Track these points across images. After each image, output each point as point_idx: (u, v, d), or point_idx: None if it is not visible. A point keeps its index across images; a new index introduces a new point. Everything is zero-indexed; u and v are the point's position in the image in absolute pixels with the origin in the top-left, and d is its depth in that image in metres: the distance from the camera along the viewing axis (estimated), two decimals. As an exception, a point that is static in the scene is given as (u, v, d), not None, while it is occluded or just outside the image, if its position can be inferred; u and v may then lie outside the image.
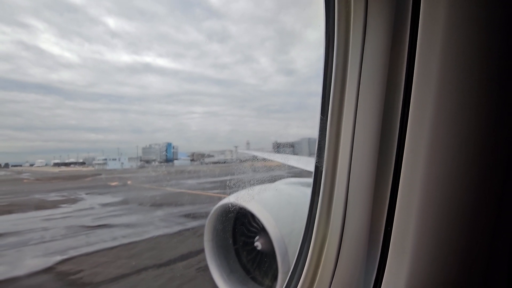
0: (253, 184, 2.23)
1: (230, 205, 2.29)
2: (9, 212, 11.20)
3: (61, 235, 7.96)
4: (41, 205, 12.60)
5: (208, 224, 2.40)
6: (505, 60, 0.61)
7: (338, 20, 0.82)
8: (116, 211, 11.06)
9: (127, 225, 8.94)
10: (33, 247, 7.02)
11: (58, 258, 6.19)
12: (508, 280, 0.68)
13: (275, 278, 1.99)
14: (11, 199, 14.59)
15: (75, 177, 29.04)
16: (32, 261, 6.06)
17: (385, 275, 0.76)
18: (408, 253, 0.68)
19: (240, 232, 2.41)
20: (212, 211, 2.37)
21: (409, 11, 0.69)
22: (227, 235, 2.44)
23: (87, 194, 15.74)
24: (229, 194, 2.30)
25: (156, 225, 8.86)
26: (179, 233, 7.97)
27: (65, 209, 11.70)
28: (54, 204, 12.64)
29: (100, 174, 31.10)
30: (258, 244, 2.15)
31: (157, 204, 12.14)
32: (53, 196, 15.14)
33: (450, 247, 0.66)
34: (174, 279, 5.11)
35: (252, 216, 2.11)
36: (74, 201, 13.46)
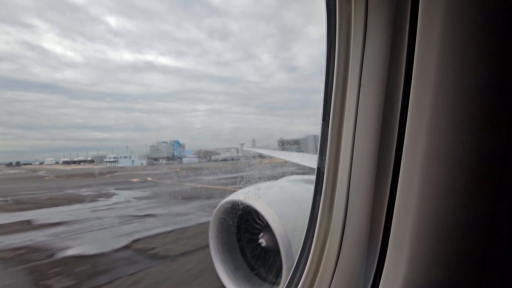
0: (267, 180, 2.30)
1: (234, 202, 2.32)
2: (55, 205, 12.36)
3: (118, 222, 9.14)
4: (80, 199, 13.74)
5: (212, 221, 2.44)
6: (502, 61, 0.62)
7: (340, 21, 0.84)
8: (153, 203, 12.25)
9: (171, 215, 10.12)
10: (100, 231, 8.19)
11: (129, 239, 7.37)
12: (504, 275, 0.71)
13: (279, 274, 2.04)
14: (47, 194, 15.75)
15: (92, 175, 30.13)
16: (109, 241, 7.25)
17: (384, 269, 0.79)
18: (406, 248, 0.71)
19: (245, 229, 2.43)
20: (216, 209, 2.40)
21: (407, 13, 0.71)
22: (232, 232, 2.47)
23: (115, 189, 16.84)
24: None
25: (197, 214, 10.03)
26: (221, 220, 9.13)
27: (105, 202, 12.84)
28: (92, 198, 13.79)
29: (116, 172, 32.22)
30: (263, 241, 2.17)
31: (187, 197, 13.28)
32: (85, 191, 16.29)
33: (447, 243, 0.68)
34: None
35: (257, 213, 2.14)
36: (109, 195, 14.59)
